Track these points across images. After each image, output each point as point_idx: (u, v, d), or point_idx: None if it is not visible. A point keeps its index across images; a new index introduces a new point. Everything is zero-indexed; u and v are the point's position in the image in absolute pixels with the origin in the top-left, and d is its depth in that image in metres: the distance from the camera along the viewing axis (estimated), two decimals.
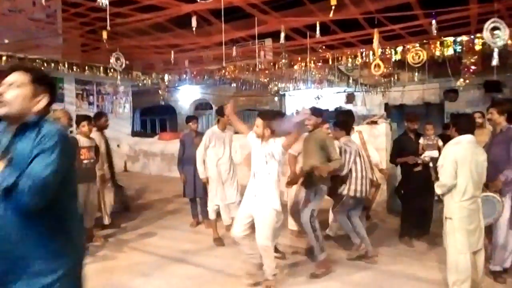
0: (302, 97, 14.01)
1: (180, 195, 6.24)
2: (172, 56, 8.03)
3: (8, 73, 1.71)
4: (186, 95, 16.71)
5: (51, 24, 11.62)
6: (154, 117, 19.24)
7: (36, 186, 1.53)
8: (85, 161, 4.75)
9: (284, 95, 15.05)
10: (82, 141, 4.80)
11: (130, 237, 5.33)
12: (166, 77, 11.81)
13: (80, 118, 5.08)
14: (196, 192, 5.69)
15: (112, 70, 11.33)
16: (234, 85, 11.89)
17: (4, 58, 9.41)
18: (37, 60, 10.19)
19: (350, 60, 7.97)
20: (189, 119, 6.19)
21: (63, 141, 1.65)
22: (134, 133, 13.62)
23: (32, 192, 1.52)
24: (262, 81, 11.18)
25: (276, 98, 14.12)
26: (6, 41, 8.62)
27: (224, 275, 3.98)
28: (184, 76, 11.14)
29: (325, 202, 4.48)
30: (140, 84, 12.63)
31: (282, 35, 6.02)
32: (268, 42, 9.14)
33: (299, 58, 8.33)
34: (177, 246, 4.87)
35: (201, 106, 17.30)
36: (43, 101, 1.74)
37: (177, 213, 6.61)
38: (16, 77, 1.69)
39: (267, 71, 9.00)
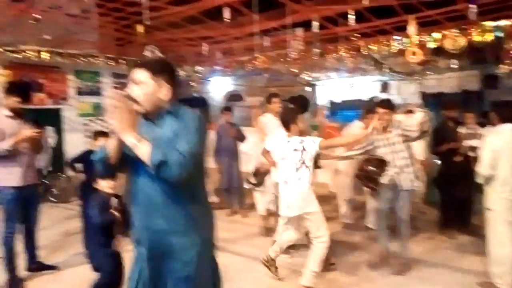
0: (334, 87, 13.82)
1: (216, 185, 6.36)
2: (204, 48, 8.10)
3: (131, 69, 1.90)
4: (217, 87, 16.84)
5: (86, 19, 12.03)
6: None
7: (185, 160, 1.71)
8: None
9: (315, 85, 14.89)
10: None
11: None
12: (199, 69, 11.94)
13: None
14: (231, 182, 5.79)
15: None
16: (266, 75, 11.87)
17: (46, 53, 9.78)
18: (75, 55, 10.56)
19: (384, 48, 7.78)
20: (224, 110, 6.28)
21: (201, 122, 1.87)
22: None
23: (181, 165, 1.70)
24: (293, 71, 11.10)
25: (307, 88, 13.98)
26: (48, 37, 8.95)
27: (260, 264, 4.05)
28: (216, 67, 11.23)
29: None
30: None
31: (315, 23, 5.95)
32: (299, 31, 9.06)
33: (331, 47, 8.21)
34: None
35: (233, 98, 17.39)
36: (168, 89, 1.90)
37: (214, 202, 6.74)
38: (139, 76, 1.86)
39: (298, 61, 8.92)
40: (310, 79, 12.95)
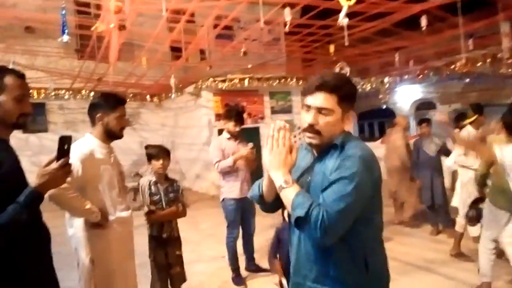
0: None
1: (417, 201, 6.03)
2: (397, 58, 7.87)
3: (311, 91, 1.53)
4: (405, 96, 15.99)
5: (276, 46, 13.24)
6: (372, 121, 19.17)
7: (327, 221, 1.35)
8: None
9: None
10: None
11: None
12: (386, 79, 11.66)
13: None
14: (434, 199, 5.40)
15: None
16: (467, 80, 10.70)
17: (247, 79, 11.18)
18: (270, 78, 11.73)
19: None
20: (421, 121, 5.96)
21: (364, 168, 1.44)
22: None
23: (322, 228, 1.35)
24: (502, 72, 9.68)
25: None
26: (249, 65, 10.24)
27: None
28: (406, 76, 10.74)
29: None
30: (360, 89, 12.85)
31: None
32: (505, 27, 7.90)
33: None
34: (419, 254, 4.73)
35: (423, 106, 16.21)
36: (350, 120, 1.56)
37: (413, 219, 6.40)
38: (324, 101, 1.49)
39: (509, 61, 7.75)
40: None
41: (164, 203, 3.19)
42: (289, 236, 1.70)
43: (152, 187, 3.20)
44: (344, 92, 1.51)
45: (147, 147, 3.37)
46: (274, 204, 1.68)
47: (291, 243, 1.67)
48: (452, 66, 8.65)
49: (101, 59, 7.84)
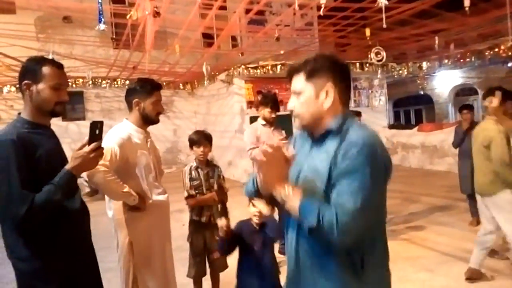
0: None
1: (451, 190, 5.82)
2: (437, 41, 7.53)
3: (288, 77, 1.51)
4: (444, 82, 15.38)
5: (309, 31, 13.00)
6: (408, 108, 18.61)
7: (342, 222, 1.23)
8: None
9: None
10: None
11: (402, 229, 5.34)
12: (424, 64, 11.23)
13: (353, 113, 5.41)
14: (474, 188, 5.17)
15: (368, 65, 11.67)
16: (511, 64, 10.16)
17: (279, 66, 11.07)
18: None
19: None
20: (463, 108, 5.70)
21: (373, 154, 1.30)
22: (391, 126, 13.53)
23: (338, 230, 1.23)
24: None
25: None
26: (281, 52, 10.14)
27: None
28: (445, 61, 10.30)
29: None
30: (396, 75, 12.46)
31: None
32: None
33: None
34: (458, 244, 4.56)
35: (463, 92, 15.55)
36: (329, 95, 1.39)
37: (450, 209, 6.17)
38: (294, 84, 1.45)
39: None
40: None
41: (204, 188, 3.20)
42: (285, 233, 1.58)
43: (193, 172, 3.21)
44: (310, 67, 1.40)
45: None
46: (270, 200, 1.52)
47: (287, 242, 1.54)
48: (496, 49, 8.19)
49: (135, 47, 7.97)
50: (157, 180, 2.65)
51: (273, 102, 4.36)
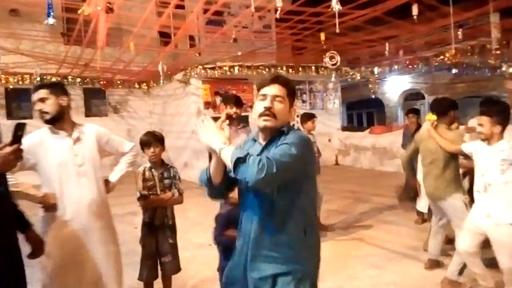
0: None
1: (399, 190, 6.10)
2: (387, 48, 7.86)
3: (267, 83, 1.81)
4: (394, 87, 16.09)
5: (267, 33, 13.14)
6: (361, 111, 19.28)
7: (269, 164, 1.54)
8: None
9: None
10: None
11: (353, 228, 5.53)
12: (376, 69, 11.69)
13: (305, 116, 5.49)
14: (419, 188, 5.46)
15: (322, 68, 11.97)
16: (455, 71, 10.79)
17: (237, 67, 11.10)
18: (259, 66, 11.65)
19: None
20: (409, 112, 6.00)
21: (303, 142, 1.72)
22: (344, 128, 13.95)
23: (260, 167, 1.53)
24: (490, 63, 9.77)
25: (509, 82, 12.05)
26: (239, 53, 10.15)
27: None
28: (395, 66, 10.78)
29: None
30: (349, 79, 12.86)
31: None
32: (495, 17, 7.94)
33: None
34: (405, 242, 4.80)
35: (411, 97, 16.34)
36: (294, 112, 1.86)
37: (398, 208, 6.46)
38: (279, 90, 1.78)
39: (498, 51, 7.81)
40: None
41: (158, 189, 3.13)
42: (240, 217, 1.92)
43: (147, 173, 3.14)
44: (291, 87, 1.83)
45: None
46: (220, 188, 1.91)
47: (246, 219, 1.85)
48: (441, 57, 8.69)
49: (88, 43, 7.68)
50: (79, 181, 2.58)
51: (235, 99, 4.39)
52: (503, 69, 9.62)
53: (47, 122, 2.57)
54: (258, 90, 1.84)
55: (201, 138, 1.74)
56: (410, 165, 4.30)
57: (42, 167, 2.52)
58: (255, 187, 1.64)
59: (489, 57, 8.37)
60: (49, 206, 2.48)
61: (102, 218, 2.66)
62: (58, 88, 2.63)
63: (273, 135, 1.78)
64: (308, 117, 5.46)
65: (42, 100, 2.52)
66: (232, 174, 1.72)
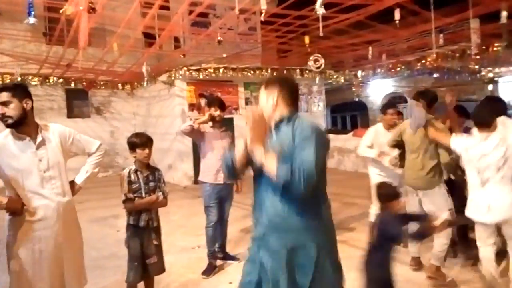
0: None
1: None
2: (370, 51, 7.96)
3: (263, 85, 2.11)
4: (377, 90, 16.31)
5: (252, 36, 13.15)
6: (345, 114, 19.46)
7: (309, 175, 1.75)
8: None
9: (497, 82, 13.04)
10: None
11: (337, 231, 5.52)
12: (359, 73, 11.82)
13: None
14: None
15: (307, 71, 12.05)
16: (436, 75, 11.00)
17: (222, 69, 11.08)
18: (245, 69, 11.65)
19: None
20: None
21: (318, 131, 1.91)
22: (329, 130, 14.07)
23: (306, 179, 1.74)
24: (470, 68, 10.00)
25: (490, 87, 12.32)
26: (224, 55, 10.13)
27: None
28: (379, 70, 10.93)
29: None
30: (334, 82, 12.97)
31: (504, 13, 5.26)
32: (475, 23, 8.12)
33: None
34: None
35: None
36: (283, 105, 2.04)
37: None
38: (262, 93, 2.08)
39: (477, 56, 7.99)
40: (491, 75, 11.42)
41: (143, 192, 3.11)
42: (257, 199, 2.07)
43: (132, 175, 3.11)
44: (275, 83, 2.07)
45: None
46: (237, 173, 2.14)
47: (260, 204, 2.02)
48: (423, 61, 8.84)
49: (70, 44, 7.56)
50: (44, 185, 2.53)
51: (219, 102, 4.41)
52: (483, 73, 9.89)
53: (9, 126, 2.47)
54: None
55: (249, 132, 1.91)
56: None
57: (4, 174, 2.44)
58: (300, 196, 1.81)
59: (469, 62, 8.57)
60: (14, 211, 2.41)
61: (68, 221, 2.64)
62: (21, 90, 2.51)
63: (278, 122, 2.01)
64: None
65: (4, 103, 2.41)
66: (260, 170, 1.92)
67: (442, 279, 3.68)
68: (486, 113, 3.22)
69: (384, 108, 4.96)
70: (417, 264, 4.07)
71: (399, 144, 4.09)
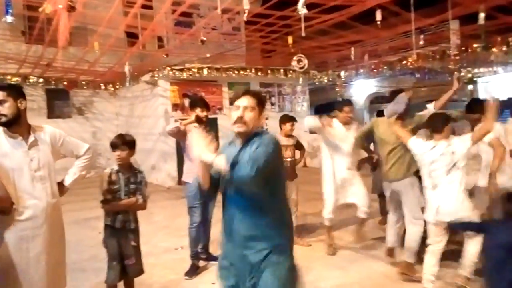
0: (500, 83, 12.15)
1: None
2: (353, 52, 8.04)
3: (239, 96, 2.14)
4: (360, 90, 16.47)
5: (236, 36, 13.15)
6: (328, 114, 19.57)
7: (258, 159, 1.93)
8: (287, 159, 5.10)
9: (476, 82, 13.31)
10: (282, 140, 5.03)
11: (319, 230, 5.59)
12: (342, 73, 11.93)
13: (284, 118, 5.34)
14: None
15: (291, 71, 12.10)
16: (418, 75, 11.18)
17: (206, 69, 11.03)
18: (229, 69, 11.62)
19: None
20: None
21: (276, 141, 2.11)
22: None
23: (254, 164, 1.91)
24: (450, 68, 10.19)
25: (470, 87, 12.56)
26: (208, 55, 10.09)
27: None
28: (361, 70, 11.05)
29: None
30: (317, 82, 13.06)
31: (482, 15, 5.37)
32: (455, 24, 8.28)
33: (499, 39, 7.29)
34: (369, 243, 4.92)
35: (377, 100, 16.79)
36: (264, 118, 2.21)
37: None
38: (249, 101, 2.11)
39: (457, 57, 8.15)
40: (470, 75, 11.67)
41: (123, 193, 3.07)
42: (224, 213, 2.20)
43: (113, 176, 3.07)
44: (260, 98, 2.17)
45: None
46: (210, 191, 2.22)
47: (226, 217, 2.17)
48: (404, 61, 8.98)
49: (50, 43, 7.43)
50: (34, 185, 2.53)
51: (203, 103, 4.38)
52: (462, 74, 10.08)
53: (2, 124, 2.49)
54: (233, 102, 2.18)
55: (195, 151, 1.99)
56: (362, 142, 4.65)
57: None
58: (247, 184, 1.95)
59: (449, 62, 8.74)
60: (3, 210, 2.41)
61: (55, 222, 2.65)
62: (16, 90, 2.58)
63: (247, 138, 2.10)
64: (286, 120, 5.32)
65: None
66: (224, 176, 2.03)
67: (412, 273, 3.76)
68: (438, 121, 3.39)
69: (341, 105, 4.99)
70: (391, 254, 4.18)
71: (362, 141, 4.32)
